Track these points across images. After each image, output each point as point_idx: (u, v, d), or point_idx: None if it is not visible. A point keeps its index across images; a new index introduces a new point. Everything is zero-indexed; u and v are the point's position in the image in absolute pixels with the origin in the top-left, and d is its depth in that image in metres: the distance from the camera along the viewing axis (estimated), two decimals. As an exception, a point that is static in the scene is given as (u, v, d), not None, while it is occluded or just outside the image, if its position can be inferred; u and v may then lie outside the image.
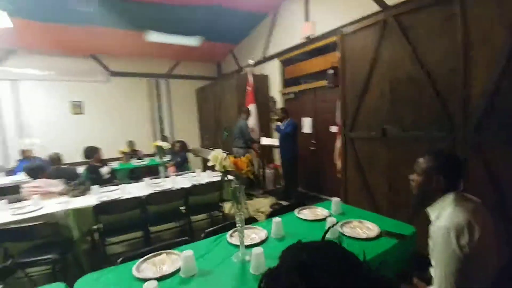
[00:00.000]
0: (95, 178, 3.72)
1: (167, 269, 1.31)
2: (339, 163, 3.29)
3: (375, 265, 0.49)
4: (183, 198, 2.98)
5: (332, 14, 3.94)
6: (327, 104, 4.30)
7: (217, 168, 1.24)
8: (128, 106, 6.56)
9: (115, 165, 4.82)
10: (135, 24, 4.77)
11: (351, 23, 3.40)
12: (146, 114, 6.87)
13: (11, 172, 4.58)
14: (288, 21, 4.91)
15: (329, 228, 0.64)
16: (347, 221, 1.73)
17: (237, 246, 1.46)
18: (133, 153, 5.63)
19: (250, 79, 5.16)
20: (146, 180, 3.35)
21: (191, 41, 5.47)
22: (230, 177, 1.33)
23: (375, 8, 3.27)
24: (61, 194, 2.88)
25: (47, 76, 5.68)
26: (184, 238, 1.68)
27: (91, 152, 3.97)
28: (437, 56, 2.20)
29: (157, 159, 4.29)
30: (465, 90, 2.04)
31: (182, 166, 5.05)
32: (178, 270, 1.29)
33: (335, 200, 2.00)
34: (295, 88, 4.99)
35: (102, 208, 2.54)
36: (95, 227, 2.68)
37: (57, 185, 2.95)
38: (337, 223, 1.59)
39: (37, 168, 2.99)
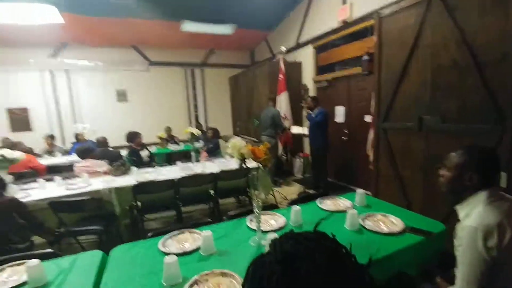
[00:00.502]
0: (135, 160, 4.05)
1: (188, 246, 1.42)
2: (371, 155, 3.16)
3: (372, 262, 0.47)
4: (212, 182, 3.13)
5: (371, -6, 3.67)
6: (362, 92, 4.10)
7: (234, 156, 1.27)
8: (166, 94, 6.95)
9: (153, 149, 5.17)
10: (171, 14, 4.94)
11: (391, 4, 3.13)
12: (182, 102, 7.21)
13: (67, 152, 5.20)
14: (324, 4, 4.69)
15: (321, 220, 0.64)
16: (370, 214, 1.68)
17: (255, 230, 1.51)
18: (170, 138, 5.98)
19: (282, 66, 5.07)
20: (179, 164, 3.56)
21: (225, 29, 5.53)
22: (250, 164, 1.37)
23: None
24: (105, 173, 3.21)
25: (95, 67, 6.23)
26: (207, 219, 1.79)
27: (132, 137, 4.30)
28: (487, 40, 1.95)
29: (190, 145, 4.52)
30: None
31: (214, 152, 5.22)
32: (198, 248, 1.39)
33: (359, 191, 1.94)
34: (329, 76, 4.81)
35: (139, 187, 2.78)
36: (134, 204, 2.95)
37: (102, 165, 3.29)
38: (355, 215, 1.56)
39: (85, 150, 3.36)
